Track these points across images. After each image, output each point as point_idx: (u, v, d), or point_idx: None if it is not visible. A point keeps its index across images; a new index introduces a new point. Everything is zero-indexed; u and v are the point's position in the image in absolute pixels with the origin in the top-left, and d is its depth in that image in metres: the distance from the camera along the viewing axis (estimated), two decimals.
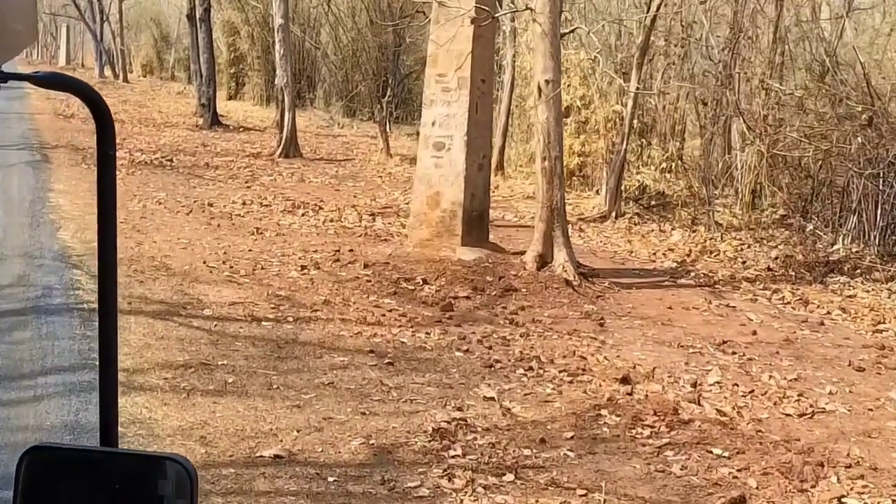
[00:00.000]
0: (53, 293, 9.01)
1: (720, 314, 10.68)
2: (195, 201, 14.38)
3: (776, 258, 13.86)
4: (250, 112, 30.73)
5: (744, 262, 13.55)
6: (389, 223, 14.06)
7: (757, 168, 16.32)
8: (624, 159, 16.11)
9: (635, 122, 16.16)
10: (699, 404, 7.44)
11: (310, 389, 7.02)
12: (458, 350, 8.27)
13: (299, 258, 11.12)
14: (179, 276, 9.82)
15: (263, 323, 8.53)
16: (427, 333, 8.72)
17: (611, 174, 16.13)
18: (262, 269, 10.53)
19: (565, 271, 11.12)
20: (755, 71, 15.00)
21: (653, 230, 15.49)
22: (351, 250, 11.67)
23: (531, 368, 8.00)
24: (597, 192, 17.27)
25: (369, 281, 10.43)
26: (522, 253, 11.64)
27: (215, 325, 8.24)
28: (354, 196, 16.58)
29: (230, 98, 34.86)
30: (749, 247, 14.61)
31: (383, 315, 9.33)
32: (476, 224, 11.69)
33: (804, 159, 15.21)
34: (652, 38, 15.76)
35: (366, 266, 10.89)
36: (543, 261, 11.25)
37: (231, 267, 10.42)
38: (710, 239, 15.01)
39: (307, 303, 9.44)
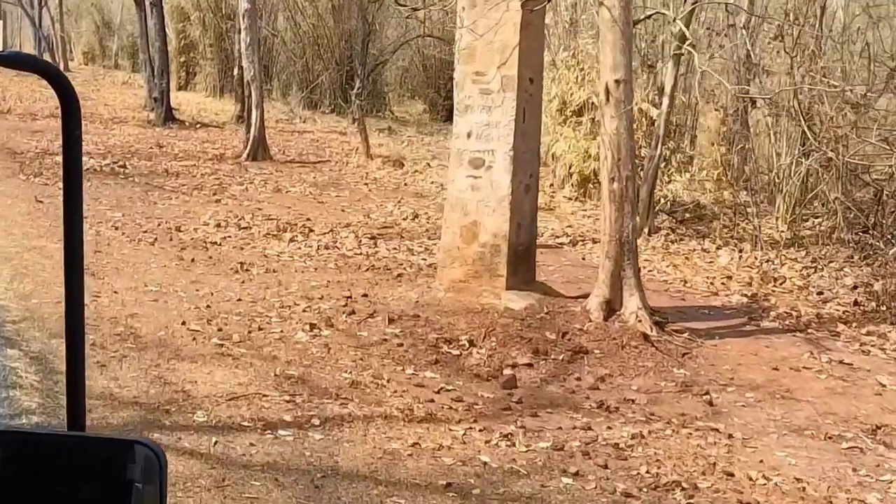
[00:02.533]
0: None
1: (840, 377, 8.27)
2: (159, 224, 11.64)
3: (855, 288, 11.47)
4: (204, 105, 27.82)
5: (820, 294, 11.14)
6: (396, 250, 11.46)
7: (805, 177, 13.94)
8: (657, 167, 13.62)
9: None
10: None
11: None
12: (565, 474, 5.71)
13: (304, 310, 8.49)
14: (154, 351, 7.15)
15: (280, 432, 5.91)
16: (507, 439, 6.16)
17: (642, 183, 13.63)
18: (260, 329, 7.89)
19: (640, 321, 8.62)
20: (818, 66, 12.57)
21: (694, 249, 13.06)
22: (365, 295, 9.06)
23: (678, 502, 5.48)
24: None
25: (400, 344, 7.84)
26: (582, 297, 9.12)
27: (216, 445, 5.60)
28: (343, 211, 13.94)
29: (180, 88, 31.87)
30: (815, 271, 12.20)
31: (432, 401, 6.78)
32: (523, 261, 9.14)
33: (871, 168, 12.84)
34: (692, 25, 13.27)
35: (391, 321, 8.29)
36: (611, 308, 8.75)
37: (220, 329, 7.77)
38: (766, 261, 12.60)
39: (329, 386, 6.83)
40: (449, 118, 27.88)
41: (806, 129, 11.86)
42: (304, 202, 14.36)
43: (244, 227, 11.87)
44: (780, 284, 11.66)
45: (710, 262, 12.57)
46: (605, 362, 7.98)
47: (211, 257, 10.19)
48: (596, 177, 15.55)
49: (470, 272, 9.02)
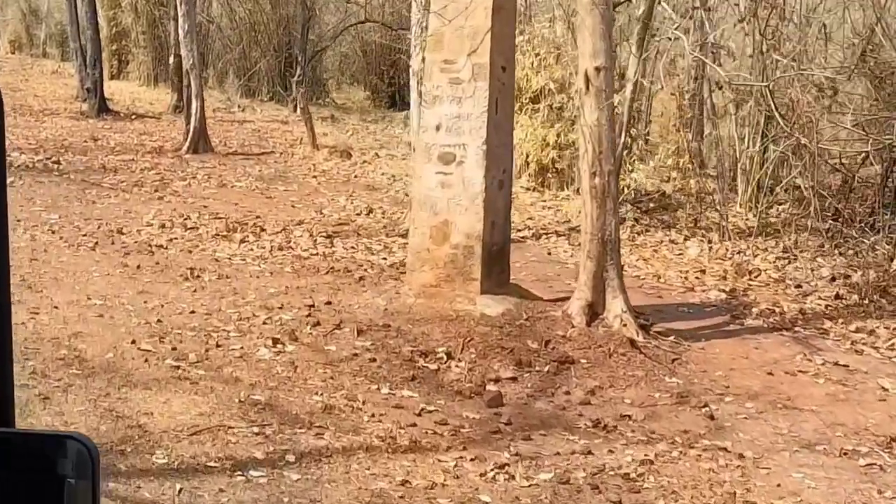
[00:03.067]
0: None
1: (839, 381, 7.78)
2: (99, 226, 10.80)
3: (833, 280, 10.98)
4: (138, 94, 26.73)
5: (799, 287, 10.64)
6: (354, 249, 10.75)
7: (777, 164, 13.45)
8: (621, 156, 13.02)
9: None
10: None
11: None
12: None
13: (264, 322, 7.76)
14: (102, 377, 6.39)
15: (252, 473, 5.20)
16: (504, 471, 5.52)
17: None
18: (218, 346, 7.16)
19: (625, 326, 8.03)
20: (786, 49, 12.05)
21: (661, 241, 12.51)
22: (328, 303, 8.35)
23: None
24: (577, 191, 14.15)
25: (373, 359, 7.16)
26: (561, 300, 8.50)
27: (180, 493, 4.87)
28: (293, 206, 13.18)
29: (112, 77, 30.62)
30: (788, 262, 11.70)
31: (414, 425, 6.13)
32: (497, 262, 8.50)
33: (842, 154, 12.36)
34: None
35: (360, 333, 7.60)
36: (594, 311, 8.14)
37: (174, 348, 7.02)
38: (737, 252, 12.08)
39: (301, 412, 6.14)
40: (393, 105, 27.23)
41: (777, 114, 11.30)
42: (251, 198, 13.57)
43: (191, 228, 11.07)
44: (756, 277, 11.14)
45: (680, 254, 12.03)
46: (593, 373, 7.37)
47: (158, 263, 9.41)
48: (555, 166, 14.97)
49: (441, 276, 8.35)
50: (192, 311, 7.89)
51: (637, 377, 7.41)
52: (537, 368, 7.31)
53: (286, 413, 6.06)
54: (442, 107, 8.25)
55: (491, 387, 6.97)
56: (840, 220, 12.49)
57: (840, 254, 12.17)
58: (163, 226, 11.08)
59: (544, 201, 14.49)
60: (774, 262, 11.71)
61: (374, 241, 11.21)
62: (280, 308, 8.15)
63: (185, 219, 11.54)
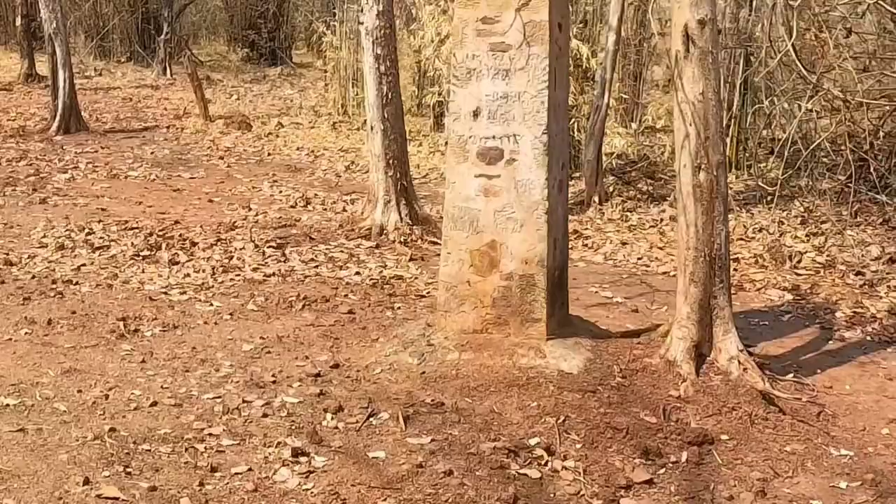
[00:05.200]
0: None
1: None
2: None
3: (893, 262, 9.01)
4: None
5: (860, 274, 8.61)
6: (314, 262, 8.28)
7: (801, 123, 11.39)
8: (604, 120, 10.79)
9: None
10: None
11: None
12: None
13: (263, 415, 5.24)
14: None
15: None
16: None
17: (589, 141, 10.80)
18: (214, 472, 4.61)
19: (745, 370, 5.82)
20: None
21: (661, 220, 10.36)
22: (335, 366, 5.90)
23: None
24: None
25: (448, 473, 4.72)
26: (645, 331, 6.25)
27: None
28: (211, 201, 10.55)
29: None
30: (819, 236, 9.70)
31: None
32: (559, 292, 6.15)
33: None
34: None
35: (407, 420, 5.17)
36: (699, 352, 5.89)
37: (152, 488, 4.44)
38: (758, 229, 10.03)
39: None
40: (275, 61, 24.30)
41: (798, 61, 9.20)
42: (155, 192, 10.85)
43: (100, 247, 8.36)
44: (798, 263, 9.09)
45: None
46: (743, 455, 5.15)
47: (74, 312, 6.73)
48: None
49: (490, 318, 5.95)
50: (153, 403, 5.31)
51: (798, 454, 5.22)
52: (672, 459, 5.03)
53: None
54: (482, 84, 5.81)
55: (627, 501, 4.67)
56: (861, 180, 10.52)
57: (867, 223, 10.25)
58: (61, 246, 8.34)
59: None
60: (807, 239, 9.69)
61: (333, 248, 8.73)
62: (274, 383, 5.65)
63: (88, 232, 8.81)
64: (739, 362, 5.88)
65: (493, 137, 5.83)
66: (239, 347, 6.19)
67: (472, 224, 5.93)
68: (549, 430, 5.13)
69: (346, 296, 7.41)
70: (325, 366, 5.87)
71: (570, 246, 9.50)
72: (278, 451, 4.80)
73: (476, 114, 5.86)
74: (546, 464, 4.88)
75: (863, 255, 9.11)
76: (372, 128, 9.28)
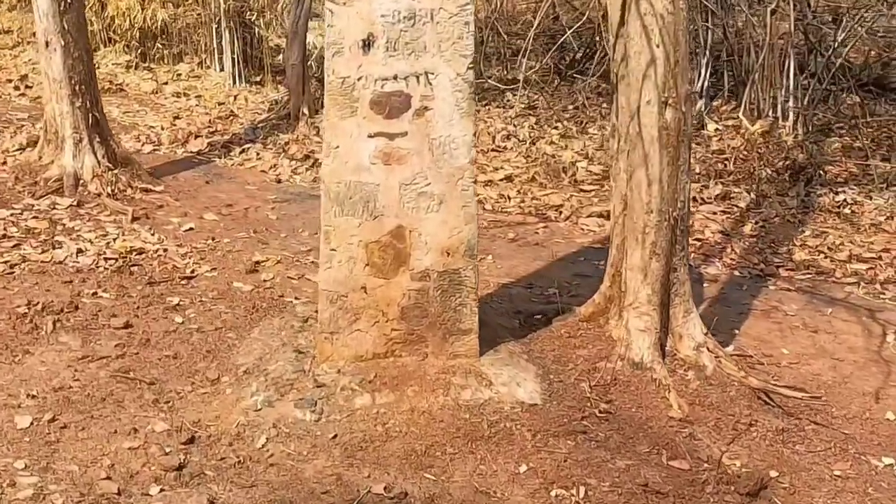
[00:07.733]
0: None
1: None
2: None
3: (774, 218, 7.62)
4: None
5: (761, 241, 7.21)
6: (7, 236, 5.86)
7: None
8: (308, 13, 8.86)
9: None
10: None
11: None
12: None
13: None
14: None
15: None
16: None
17: (292, 40, 8.83)
18: None
19: (720, 361, 4.54)
20: None
21: None
22: (190, 441, 3.80)
23: None
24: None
25: None
26: (549, 321, 4.70)
27: None
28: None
29: None
30: (572, 139, 8.52)
31: None
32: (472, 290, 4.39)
33: None
34: None
35: None
36: (660, 343, 4.47)
37: None
38: (506, 136, 8.71)
39: None
40: None
41: None
42: None
43: None
44: (574, 177, 7.84)
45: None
46: (808, 497, 3.81)
47: None
48: (166, 28, 10.29)
49: (398, 335, 4.10)
50: None
51: (849, 476, 3.98)
52: None
53: None
54: (372, 1, 3.82)
55: None
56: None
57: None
58: None
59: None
60: (565, 145, 8.47)
61: (21, 214, 6.29)
62: (118, 494, 3.48)
63: None
64: (709, 350, 4.51)
65: (396, 78, 3.88)
66: (8, 423, 3.88)
67: (368, 205, 3.98)
68: None
69: (95, 294, 5.15)
70: (172, 441, 3.77)
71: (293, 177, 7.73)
72: None
73: (368, 44, 3.86)
74: None
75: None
76: (48, 44, 6.75)
